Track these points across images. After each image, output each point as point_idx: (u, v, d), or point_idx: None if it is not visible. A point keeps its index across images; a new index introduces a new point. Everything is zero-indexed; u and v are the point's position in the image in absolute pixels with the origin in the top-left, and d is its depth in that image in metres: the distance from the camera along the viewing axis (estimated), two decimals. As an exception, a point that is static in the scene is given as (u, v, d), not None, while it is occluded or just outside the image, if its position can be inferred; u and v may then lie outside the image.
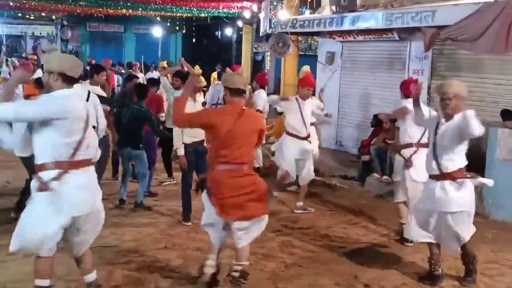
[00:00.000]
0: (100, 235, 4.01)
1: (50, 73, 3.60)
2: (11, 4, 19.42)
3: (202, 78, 7.39)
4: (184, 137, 6.03)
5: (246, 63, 19.48)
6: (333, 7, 9.98)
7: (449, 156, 4.60)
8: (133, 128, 6.74)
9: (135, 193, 6.97)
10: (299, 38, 13.50)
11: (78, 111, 3.58)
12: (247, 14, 18.79)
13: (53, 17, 26.11)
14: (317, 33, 11.63)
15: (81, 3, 19.57)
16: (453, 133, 4.55)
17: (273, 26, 13.50)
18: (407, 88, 5.84)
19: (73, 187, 3.54)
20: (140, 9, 21.09)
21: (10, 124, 3.80)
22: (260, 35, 18.57)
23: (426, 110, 5.04)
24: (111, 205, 6.77)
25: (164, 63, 14.97)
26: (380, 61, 10.14)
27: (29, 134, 3.62)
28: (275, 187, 7.28)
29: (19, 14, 24.50)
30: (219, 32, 29.57)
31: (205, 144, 6.06)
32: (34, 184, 3.58)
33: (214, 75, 16.57)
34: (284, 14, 11.92)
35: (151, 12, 22.39)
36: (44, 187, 3.49)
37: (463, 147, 4.63)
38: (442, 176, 4.62)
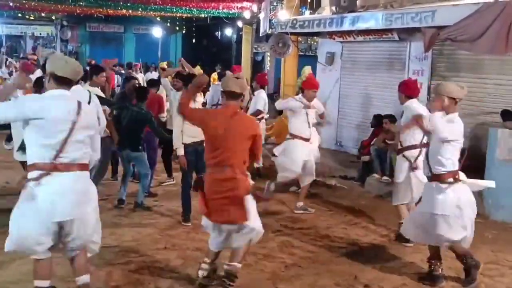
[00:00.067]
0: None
1: (46, 75, 3.63)
2: (11, 4, 19.44)
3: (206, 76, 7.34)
4: (183, 137, 6.03)
5: (246, 64, 19.50)
6: (333, 8, 9.99)
7: (437, 157, 4.63)
8: (132, 130, 6.73)
9: (135, 194, 6.96)
10: (299, 38, 13.53)
11: (58, 112, 3.44)
12: (247, 15, 18.81)
13: (53, 18, 26.14)
14: (317, 34, 11.64)
15: (81, 3, 19.59)
16: (434, 134, 4.63)
17: (273, 26, 13.52)
18: (409, 89, 5.82)
19: (51, 191, 3.42)
20: (140, 9, 21.11)
21: None
22: (260, 35, 18.61)
23: (426, 111, 5.05)
24: (110, 205, 6.78)
25: (164, 64, 14.99)
26: (380, 61, 10.14)
27: None
28: (272, 179, 7.31)
29: (19, 14, 24.52)
30: (219, 32, 29.60)
31: (204, 145, 6.06)
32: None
33: (214, 75, 16.54)
34: (284, 15, 11.94)
35: (151, 12, 22.41)
36: (24, 188, 3.47)
37: (451, 149, 4.57)
38: (432, 177, 4.70)
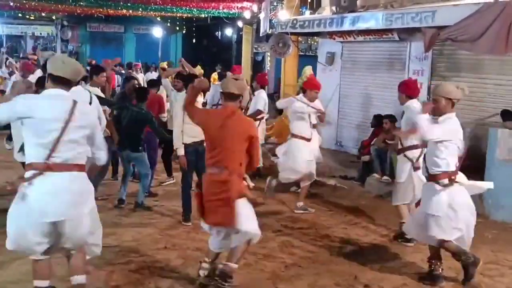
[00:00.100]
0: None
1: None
2: (11, 4, 19.44)
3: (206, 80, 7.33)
4: (184, 137, 6.03)
5: (246, 64, 19.49)
6: (333, 8, 10.00)
7: (432, 158, 4.64)
8: (132, 131, 6.73)
9: (135, 193, 6.97)
10: (299, 38, 13.53)
11: (48, 111, 3.42)
12: (247, 15, 18.81)
13: (53, 17, 26.12)
14: (317, 34, 11.64)
15: (81, 3, 19.59)
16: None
17: (273, 26, 13.52)
18: (409, 89, 5.81)
19: (43, 191, 3.39)
20: (140, 9, 21.11)
21: None
22: (260, 35, 18.61)
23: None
24: (110, 205, 6.79)
25: (165, 64, 15.00)
26: (380, 61, 10.14)
27: None
28: (273, 176, 7.35)
29: (19, 14, 24.52)
30: (219, 32, 29.59)
31: (204, 145, 6.06)
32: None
33: (214, 75, 16.55)
34: (284, 15, 11.94)
35: (151, 12, 22.41)
36: (20, 188, 3.46)
37: (444, 149, 4.56)
38: (428, 177, 4.73)
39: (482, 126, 7.73)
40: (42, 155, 3.42)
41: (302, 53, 16.87)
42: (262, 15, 15.81)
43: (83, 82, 6.09)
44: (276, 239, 5.87)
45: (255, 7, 17.33)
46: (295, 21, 10.84)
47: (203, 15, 22.98)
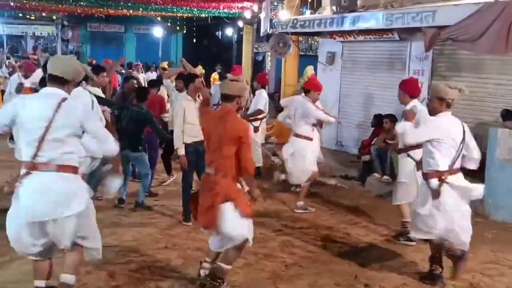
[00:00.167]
0: (100, 235, 3.99)
1: None
2: (12, 4, 19.43)
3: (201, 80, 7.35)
4: (184, 137, 6.05)
5: (246, 63, 19.47)
6: (334, 7, 9.99)
7: (424, 156, 4.67)
8: (132, 130, 6.72)
9: (136, 193, 6.97)
10: (299, 38, 13.51)
11: (36, 110, 3.41)
12: (247, 14, 18.78)
13: (54, 17, 26.10)
14: (318, 33, 11.64)
15: (82, 3, 19.57)
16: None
17: (273, 26, 13.49)
18: (411, 87, 5.80)
19: (31, 190, 3.39)
20: (140, 9, 21.09)
21: None
22: (261, 35, 18.57)
23: (426, 111, 5.05)
24: (111, 205, 6.78)
25: (165, 64, 14.99)
26: (380, 61, 10.14)
27: None
28: (279, 170, 7.41)
29: (20, 14, 24.50)
30: (220, 32, 29.57)
31: (205, 144, 6.06)
32: None
33: (215, 75, 16.56)
34: (284, 14, 11.92)
35: (152, 12, 22.40)
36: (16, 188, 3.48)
37: (432, 148, 4.53)
38: (422, 175, 4.76)
39: (482, 126, 7.73)
40: (30, 153, 3.42)
41: (302, 53, 16.85)
42: (262, 15, 15.79)
43: (83, 82, 6.09)
44: (276, 238, 5.87)
45: (255, 7, 17.30)
46: (295, 21, 10.83)
47: (203, 15, 22.97)
